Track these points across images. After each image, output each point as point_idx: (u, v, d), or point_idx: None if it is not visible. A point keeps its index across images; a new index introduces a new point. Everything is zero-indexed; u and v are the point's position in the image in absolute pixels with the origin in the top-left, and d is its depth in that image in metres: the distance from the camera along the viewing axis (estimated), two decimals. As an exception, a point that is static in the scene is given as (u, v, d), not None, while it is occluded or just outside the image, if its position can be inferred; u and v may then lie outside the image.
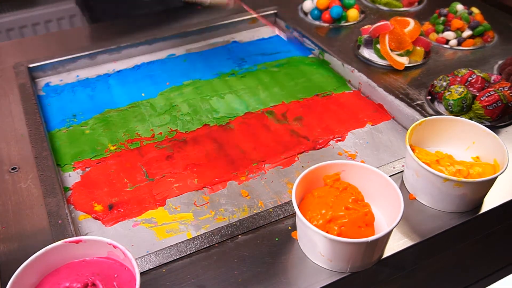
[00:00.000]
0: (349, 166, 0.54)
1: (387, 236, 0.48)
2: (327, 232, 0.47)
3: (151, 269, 0.52)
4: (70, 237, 0.51)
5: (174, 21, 1.02)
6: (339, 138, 0.74)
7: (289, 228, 0.56)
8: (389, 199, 0.51)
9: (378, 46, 0.85)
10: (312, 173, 0.53)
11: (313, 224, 0.48)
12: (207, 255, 0.53)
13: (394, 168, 0.64)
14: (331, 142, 0.73)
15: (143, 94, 0.84)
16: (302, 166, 0.69)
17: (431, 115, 0.72)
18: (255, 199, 0.63)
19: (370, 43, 0.87)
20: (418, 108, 0.74)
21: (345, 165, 0.54)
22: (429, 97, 0.76)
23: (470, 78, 0.73)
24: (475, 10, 0.94)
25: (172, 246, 0.54)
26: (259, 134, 0.74)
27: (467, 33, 0.90)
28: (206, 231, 0.56)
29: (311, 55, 0.95)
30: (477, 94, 0.71)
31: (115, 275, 0.45)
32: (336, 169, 0.54)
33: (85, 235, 0.59)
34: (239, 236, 0.55)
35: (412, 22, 0.86)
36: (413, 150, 0.57)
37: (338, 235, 0.47)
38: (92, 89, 0.85)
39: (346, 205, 0.50)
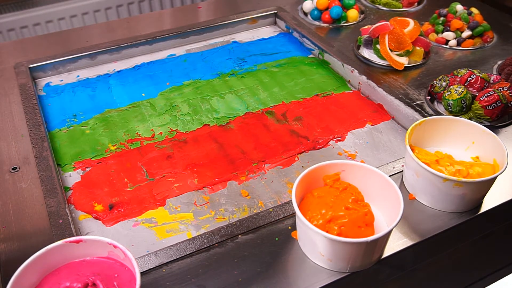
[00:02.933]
0: (349, 166, 0.54)
1: (387, 236, 0.48)
2: (327, 232, 0.47)
3: (151, 269, 0.52)
4: (70, 237, 0.51)
5: (174, 21, 1.02)
6: (339, 138, 0.74)
7: (289, 228, 0.56)
8: (389, 199, 0.51)
9: (378, 46, 0.85)
10: (312, 173, 0.53)
11: (313, 224, 0.48)
12: (207, 255, 0.53)
13: (394, 168, 0.64)
14: (331, 142, 0.73)
15: (143, 94, 0.84)
16: (302, 166, 0.69)
17: (431, 115, 0.72)
18: (255, 199, 0.64)
19: (370, 43, 0.87)
20: (418, 108, 0.74)
21: (345, 165, 0.54)
22: (429, 97, 0.76)
23: (470, 78, 0.73)
24: (474, 10, 0.94)
25: (172, 246, 0.54)
26: (259, 134, 0.74)
27: (466, 33, 0.91)
28: (206, 231, 0.56)
29: (311, 55, 0.95)
30: (477, 94, 0.71)
31: (116, 275, 0.45)
32: (336, 169, 0.55)
33: (86, 235, 0.59)
34: (239, 236, 0.55)
35: (411, 23, 0.86)
36: (412, 150, 0.57)
37: (338, 235, 0.47)
38: (93, 89, 0.86)
39: (346, 205, 0.50)
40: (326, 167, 0.54)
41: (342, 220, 0.49)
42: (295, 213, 0.57)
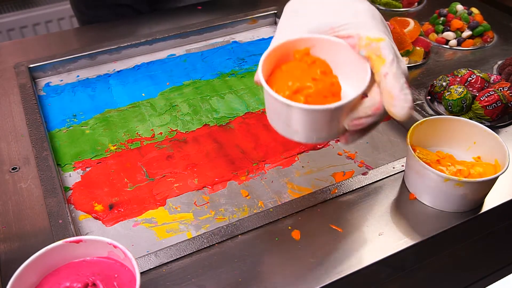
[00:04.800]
0: (318, 40, 0.51)
1: (351, 103, 0.46)
2: None
3: (151, 269, 0.52)
4: (70, 237, 0.51)
5: (174, 21, 1.02)
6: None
7: (289, 228, 0.56)
8: (358, 72, 0.49)
9: (378, 46, 0.85)
10: (280, 48, 0.50)
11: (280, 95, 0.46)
12: (207, 255, 0.53)
13: (394, 168, 0.64)
14: (331, 142, 0.73)
15: (143, 94, 0.84)
16: (302, 166, 0.69)
17: (431, 115, 0.72)
18: (255, 199, 0.64)
19: (370, 43, 0.87)
20: (418, 108, 0.74)
21: (314, 40, 0.51)
22: (429, 97, 0.76)
23: (470, 78, 0.73)
24: (474, 10, 0.94)
25: (172, 246, 0.54)
26: (259, 134, 0.74)
27: (466, 33, 0.91)
28: (206, 231, 0.56)
29: (311, 55, 0.95)
30: (477, 94, 0.71)
31: (116, 275, 0.45)
32: (305, 44, 0.51)
33: (86, 235, 0.59)
34: (239, 236, 0.55)
35: (412, 22, 0.86)
36: (414, 150, 0.57)
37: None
38: (93, 89, 0.85)
39: (313, 76, 0.48)
40: (295, 42, 0.51)
41: (308, 90, 0.47)
42: (295, 212, 0.58)
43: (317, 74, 0.48)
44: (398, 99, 0.45)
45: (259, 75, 0.47)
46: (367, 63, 0.47)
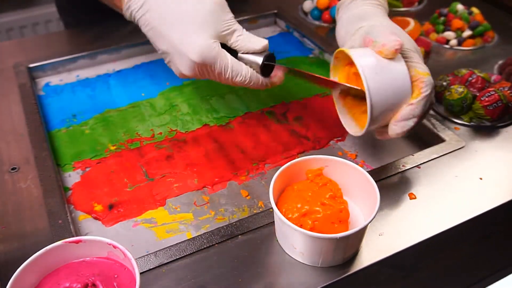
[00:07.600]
0: (332, 161, 0.54)
1: (358, 234, 0.48)
2: (301, 226, 0.48)
3: (151, 269, 0.52)
4: (70, 237, 0.50)
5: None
6: (339, 138, 0.74)
7: (289, 228, 0.56)
8: (368, 197, 0.51)
9: (378, 46, 0.85)
10: (294, 166, 0.54)
11: (288, 217, 0.49)
12: (207, 255, 0.53)
13: (394, 168, 0.64)
14: (331, 142, 0.73)
15: (143, 94, 0.84)
16: (302, 166, 0.69)
17: (431, 115, 0.72)
18: (255, 199, 0.63)
19: (370, 43, 0.87)
20: (418, 108, 0.74)
21: (328, 161, 0.54)
22: (429, 97, 0.76)
23: (470, 78, 0.73)
24: (475, 10, 0.94)
25: (172, 246, 0.54)
26: (259, 134, 0.74)
27: (467, 33, 0.90)
28: (206, 231, 0.56)
29: (311, 55, 0.95)
30: (477, 94, 0.71)
31: (115, 276, 0.45)
32: (319, 164, 0.55)
33: (85, 235, 0.59)
34: (239, 236, 0.55)
35: (412, 22, 0.86)
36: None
37: (311, 229, 0.48)
38: (92, 89, 0.85)
39: (322, 200, 0.51)
40: (310, 161, 0.54)
41: (317, 215, 0.49)
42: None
43: (327, 199, 0.51)
44: (400, 123, 0.57)
45: (270, 195, 0.50)
46: (375, 188, 0.50)
